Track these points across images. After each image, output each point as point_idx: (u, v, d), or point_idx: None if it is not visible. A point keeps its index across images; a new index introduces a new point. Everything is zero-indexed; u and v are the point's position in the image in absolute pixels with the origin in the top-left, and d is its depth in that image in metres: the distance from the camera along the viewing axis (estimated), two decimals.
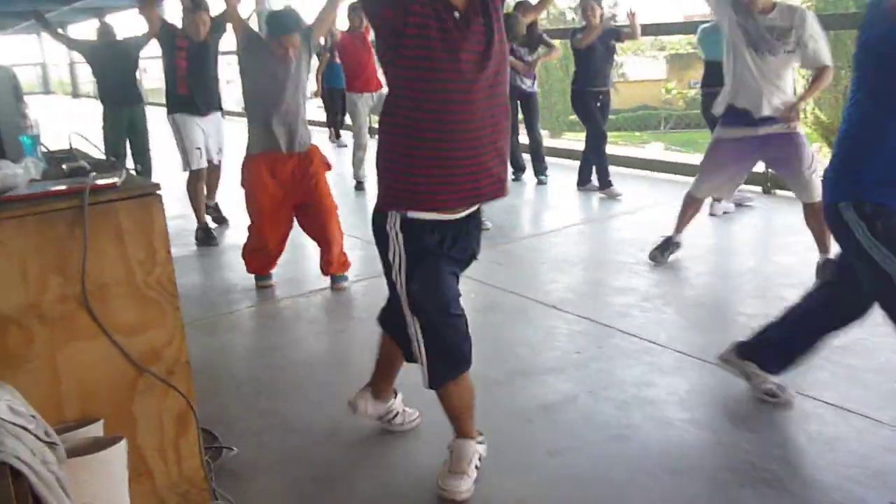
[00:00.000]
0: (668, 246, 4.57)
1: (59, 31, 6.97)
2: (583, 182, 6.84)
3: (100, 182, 1.97)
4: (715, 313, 3.94)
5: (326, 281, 4.49)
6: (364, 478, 2.53)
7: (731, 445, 2.63)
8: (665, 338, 3.51)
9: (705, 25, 5.75)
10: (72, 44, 6.88)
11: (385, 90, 7.01)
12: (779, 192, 6.08)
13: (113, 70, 6.29)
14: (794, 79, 4.12)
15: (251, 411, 3.03)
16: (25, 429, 1.42)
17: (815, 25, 3.95)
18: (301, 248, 5.17)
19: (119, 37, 6.46)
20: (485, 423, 2.64)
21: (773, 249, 4.76)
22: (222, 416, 2.89)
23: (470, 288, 4.31)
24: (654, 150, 16.88)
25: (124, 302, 1.97)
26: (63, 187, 1.96)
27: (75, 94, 26.34)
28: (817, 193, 3.91)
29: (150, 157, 6.51)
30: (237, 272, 4.75)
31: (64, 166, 2.21)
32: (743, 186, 5.16)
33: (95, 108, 6.80)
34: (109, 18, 21.65)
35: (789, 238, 4.81)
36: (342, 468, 2.59)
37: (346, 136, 9.98)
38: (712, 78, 5.56)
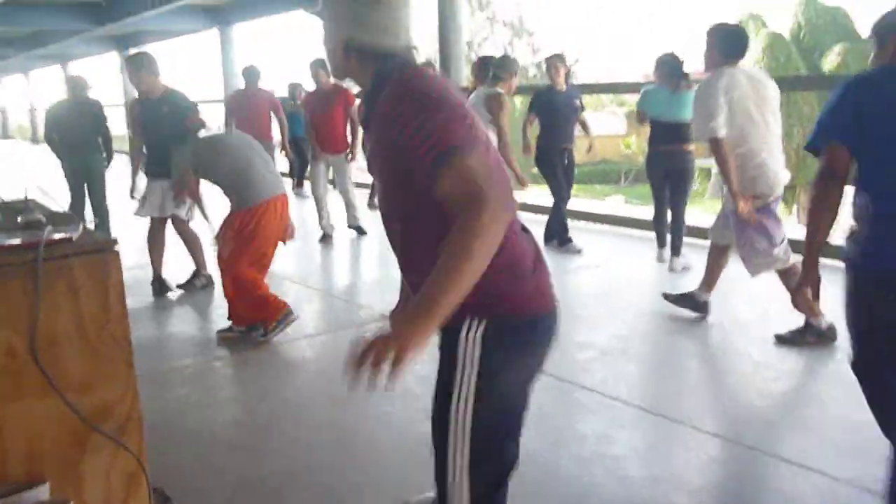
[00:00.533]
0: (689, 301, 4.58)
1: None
2: (549, 237, 6.81)
3: (55, 236, 1.93)
4: (675, 368, 3.97)
5: (285, 335, 4.43)
6: None
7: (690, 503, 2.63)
8: (625, 393, 3.52)
9: (648, 87, 5.91)
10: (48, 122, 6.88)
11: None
12: None
13: (70, 124, 6.42)
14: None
15: (204, 468, 2.95)
16: None
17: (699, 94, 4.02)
18: None
19: (90, 94, 6.65)
20: None
21: (733, 305, 4.82)
22: (175, 473, 2.81)
23: (433, 341, 4.30)
24: (615, 202, 17.17)
25: (76, 357, 1.92)
26: (17, 241, 1.92)
27: (34, 140, 26.05)
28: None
29: (106, 207, 6.61)
30: (193, 324, 4.68)
31: (19, 219, 2.18)
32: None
33: (54, 154, 6.85)
34: (73, 66, 21.58)
35: (748, 293, 4.89)
36: None
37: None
38: (658, 137, 5.69)
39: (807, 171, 18.78)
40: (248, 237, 4.21)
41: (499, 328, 1.72)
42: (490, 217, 1.48)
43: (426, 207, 1.64)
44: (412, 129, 1.59)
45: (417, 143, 1.58)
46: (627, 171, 27.91)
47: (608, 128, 30.34)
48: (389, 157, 1.73)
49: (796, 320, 3.98)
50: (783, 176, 3.99)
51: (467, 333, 1.74)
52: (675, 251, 5.78)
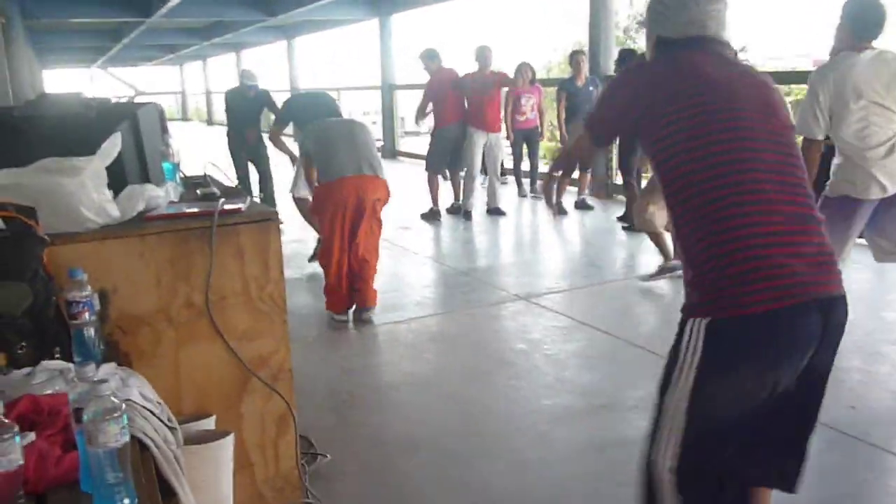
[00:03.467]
0: None
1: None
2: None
3: (227, 207, 2.25)
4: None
5: (423, 310, 4.72)
6: (442, 493, 2.70)
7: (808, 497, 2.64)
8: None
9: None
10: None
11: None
12: None
13: (239, 110, 7.45)
14: None
15: (345, 423, 3.27)
16: (152, 412, 1.68)
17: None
18: (400, 278, 5.45)
19: (257, 86, 7.52)
20: (558, 453, 2.76)
21: (880, 305, 4.65)
22: (318, 425, 3.12)
23: (564, 324, 4.44)
24: None
25: (239, 312, 2.23)
26: (196, 210, 2.25)
27: (210, 122, 28.08)
28: None
29: (272, 185, 7.36)
30: None
31: (198, 191, 2.53)
32: None
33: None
34: (245, 54, 22.92)
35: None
36: (422, 482, 2.77)
37: None
38: None
39: None
40: (319, 211, 4.55)
41: (718, 326, 1.63)
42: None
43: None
44: None
45: None
46: None
47: None
48: None
49: None
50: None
51: (692, 326, 1.67)
52: None
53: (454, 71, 7.77)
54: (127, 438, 1.22)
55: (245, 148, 7.44)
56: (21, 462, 1.18)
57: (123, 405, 1.23)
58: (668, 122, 1.72)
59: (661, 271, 5.16)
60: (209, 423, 2.24)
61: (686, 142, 1.69)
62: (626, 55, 6.91)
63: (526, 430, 3.14)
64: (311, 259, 5.87)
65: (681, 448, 1.69)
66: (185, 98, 35.26)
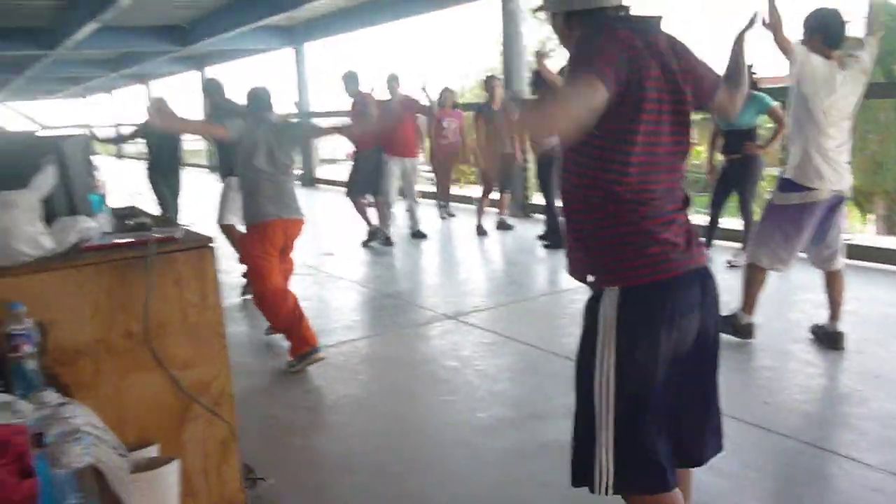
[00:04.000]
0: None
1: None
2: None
3: (161, 235, 2.28)
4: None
5: (353, 333, 4.76)
6: None
7: (729, 486, 2.81)
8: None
9: None
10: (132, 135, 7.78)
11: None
12: None
13: (153, 143, 7.35)
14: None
15: (283, 447, 3.28)
16: (101, 439, 1.70)
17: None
18: (327, 303, 5.47)
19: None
20: (490, 462, 2.84)
21: (785, 306, 4.94)
22: (257, 450, 3.12)
23: (492, 340, 4.56)
24: None
25: (179, 339, 2.25)
26: (132, 239, 2.27)
27: (119, 156, 27.31)
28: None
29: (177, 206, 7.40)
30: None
31: (129, 221, 2.54)
32: None
33: (139, 169, 7.52)
34: (155, 84, 22.43)
35: (800, 296, 5.00)
36: (361, 500, 2.82)
37: None
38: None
39: (883, 179, 18.34)
40: (256, 248, 4.28)
41: (625, 296, 1.92)
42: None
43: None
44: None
45: None
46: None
47: None
48: None
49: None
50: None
51: (606, 297, 1.96)
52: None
53: (372, 95, 7.84)
54: (89, 459, 1.25)
55: (163, 179, 7.32)
56: None
57: (85, 426, 1.26)
58: (629, 124, 1.80)
59: None
60: (152, 452, 2.24)
61: (631, 145, 1.83)
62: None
63: (461, 442, 3.22)
64: (244, 293, 5.75)
65: (615, 426, 1.96)
66: (92, 132, 34.18)
